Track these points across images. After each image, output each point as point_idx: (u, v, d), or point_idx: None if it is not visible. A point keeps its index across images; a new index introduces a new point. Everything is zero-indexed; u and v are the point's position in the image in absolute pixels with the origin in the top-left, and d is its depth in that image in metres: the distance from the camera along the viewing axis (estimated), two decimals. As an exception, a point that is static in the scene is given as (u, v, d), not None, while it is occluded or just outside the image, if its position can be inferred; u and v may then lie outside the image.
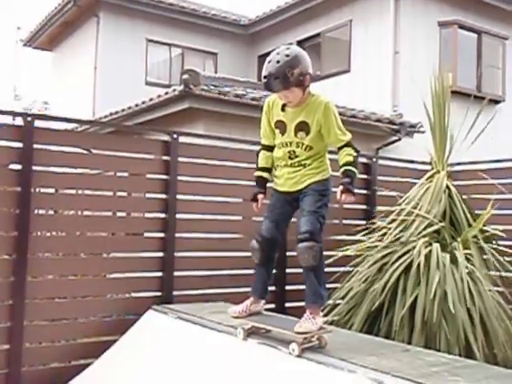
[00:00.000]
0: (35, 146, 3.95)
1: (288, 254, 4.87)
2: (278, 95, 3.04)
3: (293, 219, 3.28)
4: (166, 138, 4.57)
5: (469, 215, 4.65)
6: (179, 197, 4.50)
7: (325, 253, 4.59)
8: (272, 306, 4.78)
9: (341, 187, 2.95)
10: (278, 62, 2.89)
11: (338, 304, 4.53)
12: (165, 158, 4.50)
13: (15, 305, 3.84)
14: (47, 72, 16.26)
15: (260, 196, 3.25)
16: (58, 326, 4.09)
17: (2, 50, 26.11)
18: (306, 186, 3.06)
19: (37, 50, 15.95)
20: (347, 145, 3.04)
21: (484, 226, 4.53)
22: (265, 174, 3.28)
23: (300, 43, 12.66)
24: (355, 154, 3.02)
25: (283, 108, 3.10)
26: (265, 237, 3.16)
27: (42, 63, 17.34)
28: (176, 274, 4.44)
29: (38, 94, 18.23)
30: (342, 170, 3.00)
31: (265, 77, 2.93)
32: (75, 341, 4.13)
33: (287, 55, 2.90)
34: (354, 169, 2.98)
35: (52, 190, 4.27)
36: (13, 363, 3.80)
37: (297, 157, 3.07)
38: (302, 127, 3.03)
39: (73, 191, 4.34)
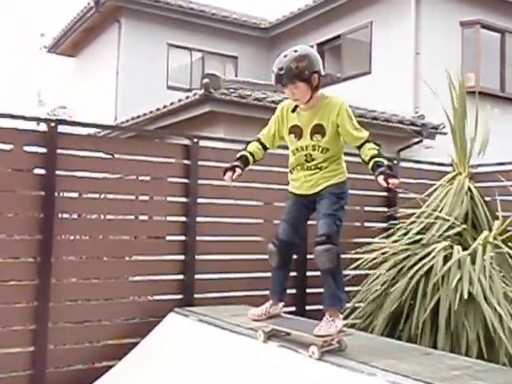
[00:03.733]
0: (59, 151, 4.03)
1: (309, 256, 4.87)
2: (287, 93, 3.04)
3: (312, 222, 3.29)
4: (186, 141, 4.62)
5: (491, 217, 4.60)
6: (200, 200, 4.54)
7: (346, 256, 4.70)
8: (292, 308, 4.79)
9: (381, 176, 2.86)
10: (285, 56, 2.96)
11: (359, 307, 4.51)
12: (185, 161, 4.54)
13: (40, 307, 3.92)
14: (70, 78, 16.50)
15: (237, 169, 3.18)
16: (81, 328, 4.15)
17: (26, 56, 26.58)
18: (323, 188, 3.06)
19: (60, 56, 16.21)
20: (367, 141, 3.01)
21: (506, 228, 4.48)
22: (250, 157, 3.26)
23: (320, 45, 12.67)
24: (378, 147, 2.99)
25: (296, 111, 3.10)
26: (282, 240, 3.16)
27: (66, 69, 17.60)
28: (197, 276, 4.47)
29: (61, 100, 18.50)
30: (371, 163, 2.94)
31: (273, 71, 2.97)
32: (98, 343, 4.18)
33: (295, 51, 2.97)
34: (382, 159, 2.94)
35: (75, 195, 4.34)
36: (37, 365, 3.87)
37: (313, 160, 3.07)
38: (318, 130, 3.03)
39: (96, 195, 4.41)
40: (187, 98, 8.49)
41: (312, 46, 12.73)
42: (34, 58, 21.09)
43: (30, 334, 3.90)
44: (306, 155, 3.08)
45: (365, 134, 3.03)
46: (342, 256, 4.61)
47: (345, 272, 4.67)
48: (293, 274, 4.93)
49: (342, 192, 3.07)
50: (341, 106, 3.00)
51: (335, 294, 2.97)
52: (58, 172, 4.02)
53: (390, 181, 2.82)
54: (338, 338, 3.00)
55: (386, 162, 2.98)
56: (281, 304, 3.34)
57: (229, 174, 3.12)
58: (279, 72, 2.93)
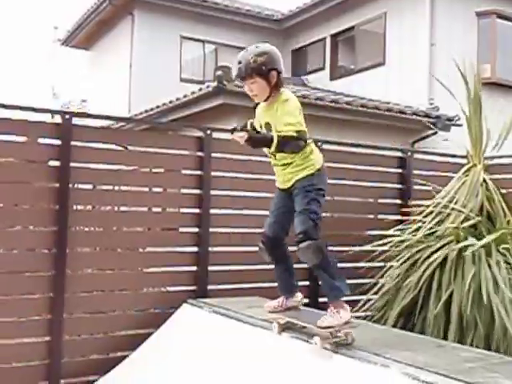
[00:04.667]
0: (73, 143, 4.05)
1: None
2: (246, 88, 3.01)
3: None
4: (199, 133, 4.62)
5: (507, 209, 4.55)
6: (213, 192, 4.55)
7: (361, 248, 4.70)
8: (306, 300, 4.79)
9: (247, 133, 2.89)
10: (246, 50, 2.95)
11: (372, 299, 4.50)
12: (199, 153, 4.55)
13: (55, 298, 3.96)
14: (84, 71, 16.58)
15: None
16: (96, 318, 4.19)
17: (40, 49, 26.73)
18: (293, 184, 3.03)
19: (74, 48, 16.27)
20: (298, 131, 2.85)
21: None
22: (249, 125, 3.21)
23: (334, 37, 12.60)
24: (291, 136, 2.81)
25: (261, 107, 3.09)
26: (268, 236, 3.16)
27: (80, 62, 17.68)
28: (210, 268, 4.49)
29: (75, 93, 18.61)
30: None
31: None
32: (113, 333, 4.22)
33: (257, 46, 2.96)
34: (277, 140, 2.79)
35: (89, 186, 4.37)
36: (53, 355, 3.92)
37: (276, 157, 3.04)
38: (268, 128, 2.98)
39: (109, 187, 4.44)
40: (200, 90, 8.49)
41: (325, 38, 12.67)
42: (48, 51, 21.18)
43: (45, 325, 3.94)
44: (269, 152, 3.05)
45: (298, 128, 2.85)
46: (355, 248, 4.71)
47: (359, 264, 4.75)
48: (305, 265, 4.96)
49: (310, 184, 2.98)
50: (283, 102, 2.92)
51: (332, 285, 2.94)
52: (72, 164, 4.04)
53: (239, 138, 2.87)
54: (344, 331, 2.96)
55: (276, 144, 2.80)
56: (299, 296, 3.34)
57: (240, 133, 2.93)
58: (238, 65, 2.92)
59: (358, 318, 3.20)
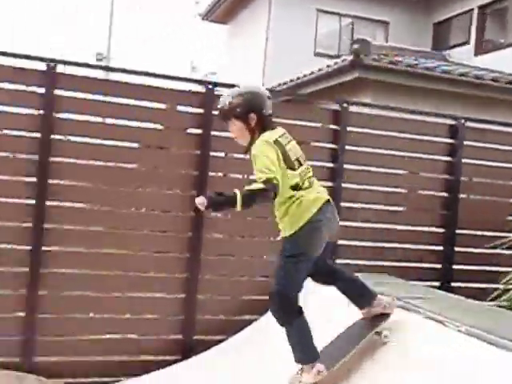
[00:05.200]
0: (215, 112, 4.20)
1: (458, 231, 4.70)
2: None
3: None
4: (335, 107, 4.58)
5: None
6: (346, 166, 4.51)
7: (501, 234, 4.46)
8: (435, 284, 4.64)
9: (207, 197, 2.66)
10: (228, 94, 2.85)
11: (510, 289, 4.23)
12: (334, 126, 4.52)
13: (192, 258, 4.19)
14: (222, 45, 17.07)
15: None
16: (226, 281, 4.37)
17: (181, 24, 27.95)
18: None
19: (213, 23, 16.79)
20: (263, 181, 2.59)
21: None
22: None
23: (482, 8, 11.72)
24: (257, 189, 2.56)
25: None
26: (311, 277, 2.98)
27: (218, 36, 18.24)
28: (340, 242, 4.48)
29: (212, 66, 19.27)
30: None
31: None
32: (241, 297, 4.37)
33: (240, 89, 2.84)
34: (241, 197, 2.54)
35: (222, 154, 4.50)
36: (188, 311, 4.17)
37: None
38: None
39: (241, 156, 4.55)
40: (335, 64, 8.39)
41: (472, 10, 11.83)
42: (187, 26, 22.08)
43: (182, 283, 4.20)
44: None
45: (262, 176, 2.58)
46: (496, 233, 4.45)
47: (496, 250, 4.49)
48: (438, 248, 4.79)
49: (283, 249, 2.81)
50: (254, 148, 2.72)
51: (294, 349, 2.80)
52: (213, 132, 4.20)
53: (200, 203, 2.61)
54: None
55: (237, 202, 2.55)
56: (383, 299, 3.14)
57: (199, 200, 2.67)
58: (218, 109, 2.89)
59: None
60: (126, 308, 4.11)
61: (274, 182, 2.57)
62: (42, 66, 3.89)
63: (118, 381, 3.89)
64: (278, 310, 2.75)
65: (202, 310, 4.24)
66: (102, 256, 4.05)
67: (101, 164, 4.10)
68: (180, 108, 4.33)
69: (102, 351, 4.03)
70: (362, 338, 2.99)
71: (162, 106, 4.29)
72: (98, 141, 4.08)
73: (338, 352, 2.94)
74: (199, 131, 4.23)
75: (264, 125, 2.78)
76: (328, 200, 2.84)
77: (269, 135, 2.74)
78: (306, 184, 2.79)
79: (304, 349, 2.77)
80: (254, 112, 2.75)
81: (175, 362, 4.06)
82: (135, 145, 4.26)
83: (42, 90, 3.88)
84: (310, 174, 2.86)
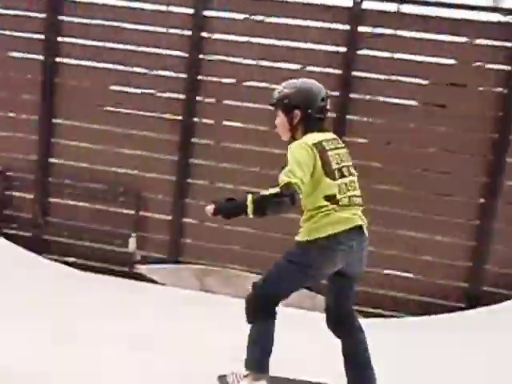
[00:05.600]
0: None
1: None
2: None
3: None
4: None
5: None
6: None
7: None
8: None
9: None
10: (284, 84, 2.64)
11: None
12: None
13: (486, 205, 3.94)
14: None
15: None
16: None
17: None
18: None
19: None
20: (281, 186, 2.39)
21: None
22: None
23: None
24: (272, 194, 2.37)
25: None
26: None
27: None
28: None
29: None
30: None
31: None
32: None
33: (296, 82, 2.62)
34: (252, 203, 2.39)
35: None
36: (477, 260, 3.98)
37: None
38: None
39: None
40: None
41: None
42: None
43: (473, 230, 4.01)
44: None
45: (283, 179, 2.39)
46: None
47: None
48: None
49: (290, 252, 2.53)
50: (290, 148, 2.51)
51: (247, 351, 2.52)
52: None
53: (209, 209, 2.50)
54: None
55: (249, 209, 2.38)
56: None
57: (207, 207, 2.56)
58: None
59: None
60: (414, 248, 4.12)
61: (295, 187, 2.36)
62: (349, 3, 4.00)
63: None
64: (250, 304, 2.54)
65: (493, 261, 3.98)
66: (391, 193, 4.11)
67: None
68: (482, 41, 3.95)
69: (383, 287, 4.17)
70: None
71: (461, 39, 3.98)
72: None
73: None
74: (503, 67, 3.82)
75: (309, 125, 2.56)
76: (361, 227, 2.50)
77: (311, 137, 2.52)
78: (345, 201, 2.48)
79: (255, 355, 2.53)
80: (299, 109, 2.55)
81: (459, 309, 3.94)
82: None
83: (346, 27, 4.00)
84: (355, 192, 2.54)
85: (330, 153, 2.49)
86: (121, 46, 4.34)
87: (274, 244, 4.10)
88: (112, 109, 4.39)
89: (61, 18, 4.37)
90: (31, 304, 3.37)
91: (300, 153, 2.43)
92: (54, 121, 4.44)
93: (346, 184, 2.50)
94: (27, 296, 3.49)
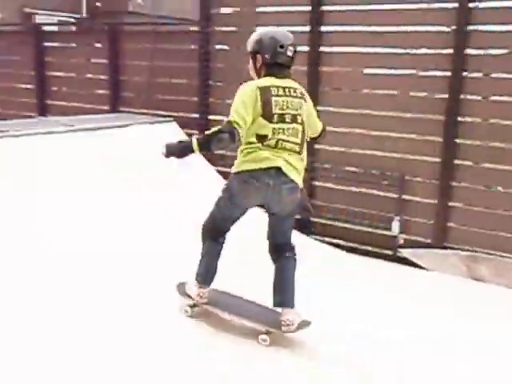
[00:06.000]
0: None
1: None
2: None
3: None
4: None
5: None
6: None
7: None
8: None
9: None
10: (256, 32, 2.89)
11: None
12: None
13: None
14: None
15: None
16: None
17: None
18: None
19: None
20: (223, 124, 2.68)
21: None
22: None
23: None
24: (213, 132, 2.64)
25: None
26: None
27: None
28: None
29: None
30: None
31: None
32: None
33: (264, 30, 2.84)
34: (196, 140, 2.67)
35: None
36: None
37: None
38: None
39: None
40: None
41: None
42: None
43: None
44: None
45: (228, 118, 2.66)
46: None
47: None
48: None
49: (224, 186, 2.90)
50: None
51: (198, 265, 3.00)
52: None
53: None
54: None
55: (194, 146, 2.66)
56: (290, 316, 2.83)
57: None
58: None
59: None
60: None
61: (234, 125, 2.59)
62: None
63: None
64: (201, 229, 2.97)
65: None
66: None
67: None
68: None
69: None
70: (248, 319, 2.89)
71: None
72: None
73: (220, 305, 3.00)
74: None
75: (268, 70, 2.75)
76: (280, 169, 2.66)
77: (263, 80, 2.73)
78: (271, 143, 2.66)
79: (201, 268, 2.96)
80: (260, 54, 2.75)
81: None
82: None
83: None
84: (290, 138, 2.68)
85: (275, 98, 2.66)
86: (380, 29, 4.31)
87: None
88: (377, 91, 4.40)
89: (323, 8, 4.52)
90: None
91: (244, 93, 2.66)
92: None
93: (283, 129, 2.66)
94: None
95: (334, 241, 4.60)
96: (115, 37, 5.88)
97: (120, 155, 4.35)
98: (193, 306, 3.00)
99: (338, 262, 4.16)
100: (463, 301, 3.55)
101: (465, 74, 4.01)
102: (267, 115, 2.64)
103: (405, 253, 4.32)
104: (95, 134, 4.48)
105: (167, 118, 5.21)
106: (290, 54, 2.71)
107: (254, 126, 2.65)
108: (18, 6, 11.88)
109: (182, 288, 3.09)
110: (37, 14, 12.06)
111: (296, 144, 2.69)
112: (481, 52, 3.96)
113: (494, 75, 3.98)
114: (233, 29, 5.03)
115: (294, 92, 2.72)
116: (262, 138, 2.65)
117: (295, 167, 2.69)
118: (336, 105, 4.54)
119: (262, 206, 2.84)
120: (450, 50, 4.03)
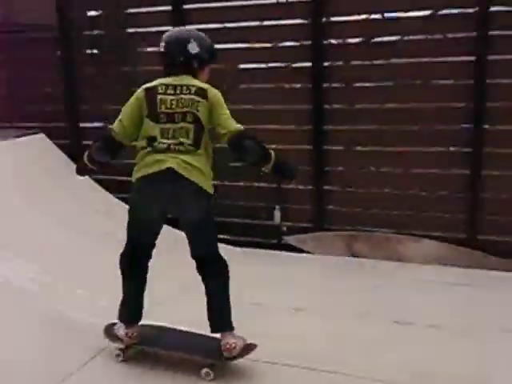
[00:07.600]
0: None
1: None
2: None
3: None
4: None
5: None
6: None
7: None
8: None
9: None
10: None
11: None
12: None
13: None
14: None
15: None
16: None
17: None
18: None
19: None
20: None
21: None
22: None
23: None
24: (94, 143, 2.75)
25: None
26: None
27: None
28: None
29: None
30: None
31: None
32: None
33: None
34: (87, 151, 2.77)
35: None
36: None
37: None
38: None
39: None
40: None
41: None
42: None
43: None
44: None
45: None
46: None
47: None
48: None
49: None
50: None
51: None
52: None
53: None
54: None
55: None
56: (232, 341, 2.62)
57: None
58: None
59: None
60: None
61: (110, 130, 2.61)
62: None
63: None
64: (119, 261, 2.73)
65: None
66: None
67: None
68: None
69: None
70: (187, 352, 2.66)
71: None
72: None
73: (155, 342, 2.76)
74: None
75: (166, 70, 2.65)
76: (175, 171, 2.43)
77: (155, 80, 2.60)
78: (162, 147, 2.48)
79: (124, 305, 2.73)
80: (162, 55, 2.65)
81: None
82: None
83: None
84: (181, 139, 2.47)
85: (161, 96, 2.51)
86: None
87: (415, 202, 4.04)
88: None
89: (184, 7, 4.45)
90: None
91: (132, 98, 2.59)
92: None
93: (173, 130, 2.48)
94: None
95: (222, 236, 4.59)
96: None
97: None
98: (125, 349, 2.72)
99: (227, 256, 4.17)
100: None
101: (326, 63, 4.18)
102: (152, 114, 2.50)
103: (289, 240, 4.43)
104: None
105: (33, 130, 4.92)
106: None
107: (144, 128, 2.53)
108: None
109: (110, 330, 2.78)
110: None
111: (189, 145, 2.47)
112: (340, 41, 4.15)
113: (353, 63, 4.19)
114: (101, 32, 4.83)
115: (187, 89, 2.51)
116: (151, 141, 2.49)
117: (195, 166, 2.45)
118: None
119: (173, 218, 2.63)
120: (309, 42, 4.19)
